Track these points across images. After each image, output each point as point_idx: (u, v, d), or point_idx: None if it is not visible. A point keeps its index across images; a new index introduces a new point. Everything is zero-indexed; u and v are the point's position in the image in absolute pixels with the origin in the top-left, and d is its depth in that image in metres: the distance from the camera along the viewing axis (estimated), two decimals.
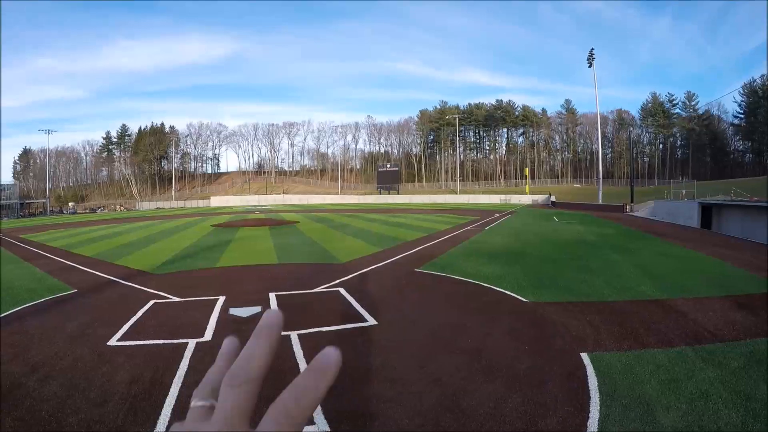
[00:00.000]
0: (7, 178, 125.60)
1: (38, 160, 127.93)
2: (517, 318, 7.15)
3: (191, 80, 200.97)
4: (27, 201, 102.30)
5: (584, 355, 5.52)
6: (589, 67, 60.10)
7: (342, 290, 9.09)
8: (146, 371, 5.21)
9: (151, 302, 8.49)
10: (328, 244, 17.15)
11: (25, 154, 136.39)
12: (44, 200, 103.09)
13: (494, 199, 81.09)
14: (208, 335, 6.38)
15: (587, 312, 7.43)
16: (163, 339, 6.29)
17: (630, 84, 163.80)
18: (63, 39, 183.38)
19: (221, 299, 8.43)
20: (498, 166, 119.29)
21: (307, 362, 4.13)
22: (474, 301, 8.29)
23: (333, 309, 7.71)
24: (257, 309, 7.68)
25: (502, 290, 9.05)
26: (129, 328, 6.93)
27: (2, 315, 8.14)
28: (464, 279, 10.23)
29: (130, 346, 6.12)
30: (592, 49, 59.25)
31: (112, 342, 6.31)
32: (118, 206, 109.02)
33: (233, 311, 7.58)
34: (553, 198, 68.79)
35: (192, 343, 6.07)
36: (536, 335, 6.31)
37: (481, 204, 72.56)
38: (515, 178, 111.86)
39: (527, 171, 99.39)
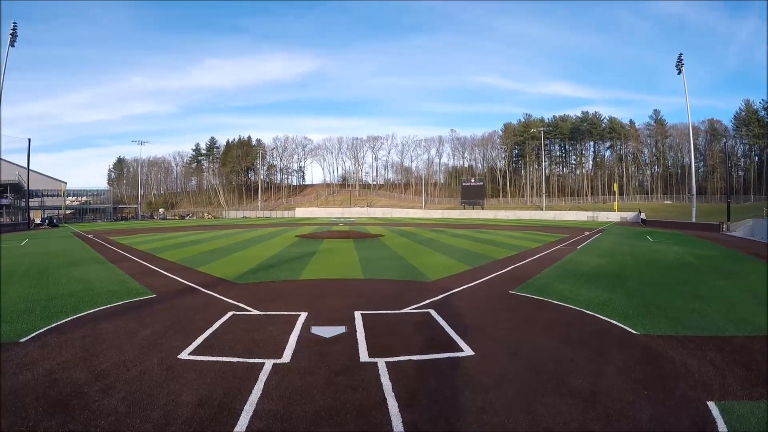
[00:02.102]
0: (102, 184, 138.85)
1: (131, 169, 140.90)
2: (629, 354, 6.24)
3: (275, 96, 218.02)
4: (120, 206, 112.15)
5: (711, 405, 4.61)
6: (678, 73, 57.91)
7: (433, 312, 8.45)
8: (216, 393, 4.85)
9: (230, 314, 8.36)
10: (415, 260, 16.63)
11: (119, 162, 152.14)
12: (136, 206, 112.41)
13: (581, 216, 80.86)
14: (286, 356, 5.94)
15: (706, 348, 6.42)
16: (238, 357, 5.96)
17: (721, 92, 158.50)
18: (154, 59, 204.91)
19: (303, 315, 8.08)
20: (585, 181, 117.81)
21: (396, 396, 3.22)
22: (578, 330, 7.38)
23: (424, 333, 7.05)
24: (341, 329, 7.20)
25: (608, 319, 8.10)
26: (203, 340, 6.74)
27: (78, 315, 8.47)
28: (564, 304, 9.29)
29: (202, 361, 5.85)
30: (681, 54, 57.05)
31: (184, 355, 6.11)
32: (205, 214, 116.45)
33: (315, 330, 7.16)
34: (642, 215, 68.25)
35: (268, 364, 5.66)
36: (654, 376, 5.43)
37: (568, 221, 71.44)
38: (603, 194, 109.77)
39: (615, 186, 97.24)
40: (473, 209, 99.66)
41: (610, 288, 11.16)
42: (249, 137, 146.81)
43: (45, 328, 7.60)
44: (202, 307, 9.02)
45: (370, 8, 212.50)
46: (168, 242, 27.31)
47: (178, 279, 12.72)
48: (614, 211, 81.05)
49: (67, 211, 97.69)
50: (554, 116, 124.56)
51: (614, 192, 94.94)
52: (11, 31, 54.00)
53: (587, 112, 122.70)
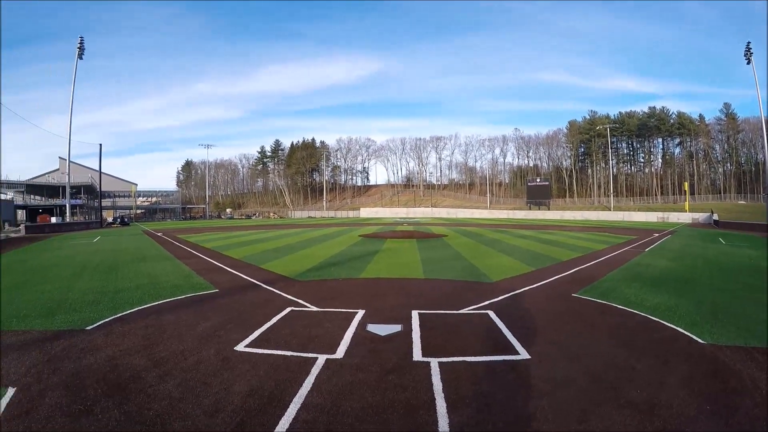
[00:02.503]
0: (172, 185, 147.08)
1: (199, 171, 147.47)
2: (694, 364, 5.73)
3: (338, 98, 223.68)
4: (188, 206, 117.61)
5: None
6: (747, 63, 54.15)
7: (491, 313, 8.18)
8: (267, 384, 4.92)
9: (288, 309, 8.51)
10: (478, 261, 16.29)
11: (187, 165, 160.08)
12: (204, 206, 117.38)
13: (651, 216, 78.00)
14: (340, 352, 5.95)
15: None
16: (293, 351, 6.02)
17: None
18: (220, 66, 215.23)
19: (360, 313, 8.09)
20: (654, 180, 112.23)
21: (446, 397, 3.07)
22: (642, 337, 6.88)
23: (480, 335, 6.83)
24: (397, 328, 7.13)
25: (674, 326, 7.49)
26: (260, 334, 6.89)
27: (143, 307, 8.93)
28: (629, 309, 8.72)
29: (256, 354, 5.97)
30: (749, 43, 53.39)
31: (240, 347, 6.26)
32: (271, 214, 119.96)
33: (371, 327, 7.13)
34: (715, 216, 64.42)
35: (322, 359, 5.68)
36: (719, 390, 4.97)
37: (636, 222, 68.99)
38: (673, 194, 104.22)
39: (686, 186, 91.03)
40: (539, 209, 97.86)
41: (678, 293, 10.45)
42: (313, 139, 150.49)
43: (110, 318, 8.08)
44: (262, 303, 9.23)
45: (431, 8, 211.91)
46: (233, 240, 28.24)
47: (241, 275, 13.09)
48: (685, 211, 78.19)
49: (138, 211, 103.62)
50: (620, 112, 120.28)
51: (685, 191, 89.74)
52: (78, 45, 58.13)
53: (654, 107, 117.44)
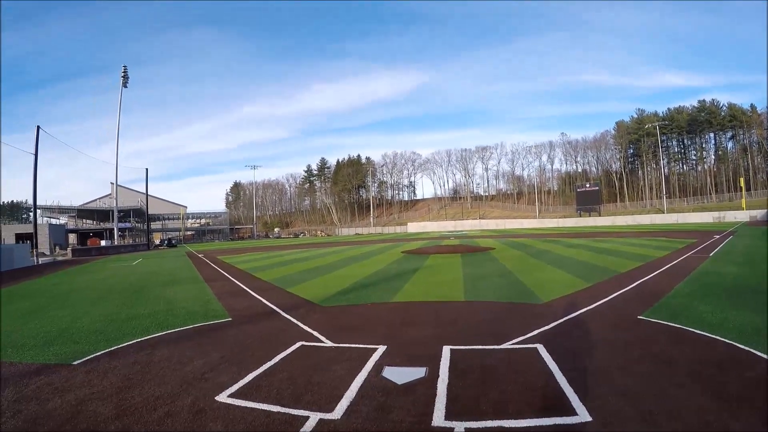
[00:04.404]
0: (221, 207, 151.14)
1: (247, 192, 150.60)
2: None
3: (382, 114, 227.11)
4: (236, 227, 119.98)
5: None
6: None
7: (541, 348, 6.54)
8: None
9: (298, 344, 7.24)
10: (526, 276, 14.61)
11: (235, 186, 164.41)
12: (251, 226, 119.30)
13: (706, 217, 77.36)
14: (339, 409, 4.54)
15: None
16: (282, 405, 4.72)
17: None
18: (264, 88, 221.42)
19: (380, 350, 6.66)
20: (708, 178, 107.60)
21: None
22: (733, 377, 5.13)
23: (526, 383, 5.26)
24: (420, 373, 5.62)
25: (765, 356, 5.76)
26: (253, 378, 5.67)
27: (143, 338, 8.12)
28: (708, 334, 6.91)
29: (237, 407, 4.77)
30: None
31: (222, 396, 5.12)
32: (319, 232, 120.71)
33: (388, 372, 5.67)
34: None
35: (313, 419, 4.34)
36: None
37: (692, 224, 66.68)
38: (728, 191, 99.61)
39: (742, 181, 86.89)
40: (590, 216, 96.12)
41: (760, 309, 8.52)
42: (358, 156, 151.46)
43: (103, 351, 7.42)
44: (272, 335, 8.05)
45: (468, 18, 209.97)
46: (272, 260, 27.50)
47: (263, 300, 12.02)
48: (742, 209, 75.91)
49: (188, 233, 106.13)
50: (669, 109, 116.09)
51: (741, 188, 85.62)
52: (122, 74, 60.18)
53: (704, 100, 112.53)
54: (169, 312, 10.82)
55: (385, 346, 6.83)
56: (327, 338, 7.57)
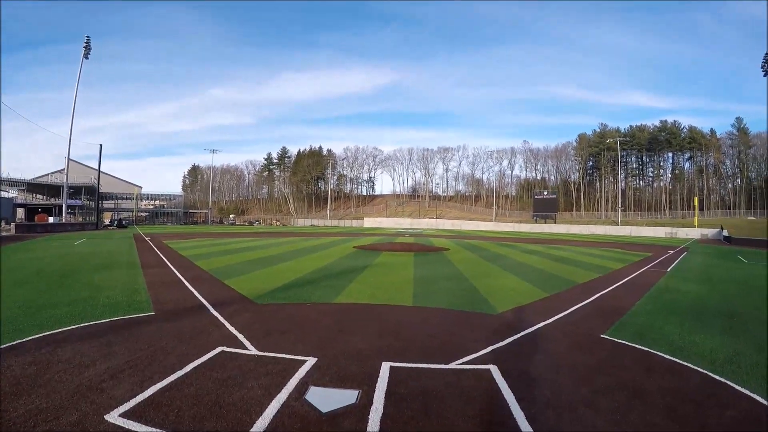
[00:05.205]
0: (178, 189, 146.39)
1: (205, 176, 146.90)
2: None
3: (350, 108, 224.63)
4: (191, 211, 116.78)
5: None
6: (765, 75, 55.22)
7: (494, 370, 5.77)
8: None
9: (218, 350, 6.32)
10: (480, 281, 13.97)
11: (194, 170, 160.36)
12: (206, 211, 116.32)
13: (659, 232, 79.06)
14: None
15: None
16: None
17: None
18: (234, 72, 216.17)
19: (309, 363, 5.81)
20: (663, 195, 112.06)
21: None
22: (712, 416, 4.63)
23: (476, 414, 4.44)
24: (351, 398, 4.76)
25: (747, 392, 5.26)
26: (155, 393, 4.78)
27: (52, 332, 7.24)
28: (679, 361, 6.37)
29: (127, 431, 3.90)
30: (767, 54, 54.44)
31: (113, 415, 4.26)
32: (274, 221, 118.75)
33: (312, 394, 4.79)
34: (725, 232, 64.42)
35: None
36: None
37: (645, 237, 67.42)
38: (681, 209, 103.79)
39: (696, 201, 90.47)
40: (545, 223, 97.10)
41: (729, 331, 8.25)
42: (320, 147, 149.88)
43: (5, 345, 6.38)
44: (192, 336, 7.05)
45: (448, 21, 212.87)
46: (218, 248, 26.23)
47: (195, 293, 10.98)
48: (694, 227, 78.30)
49: (141, 214, 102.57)
50: (631, 126, 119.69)
51: (694, 207, 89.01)
52: (84, 44, 57.27)
53: (666, 121, 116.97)
54: (91, 301, 9.75)
55: (316, 359, 5.98)
56: (252, 344, 6.66)
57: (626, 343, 7.35)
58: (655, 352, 6.86)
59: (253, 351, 6.35)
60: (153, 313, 8.73)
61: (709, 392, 5.32)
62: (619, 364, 6.25)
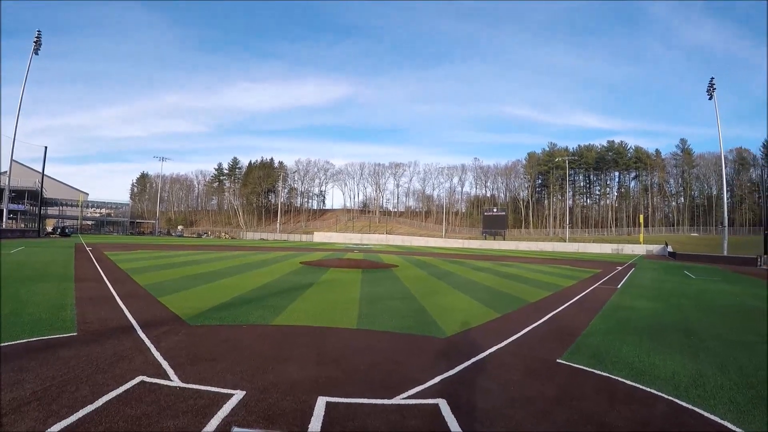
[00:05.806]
0: (126, 198, 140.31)
1: (153, 185, 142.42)
2: None
3: (303, 120, 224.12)
4: (138, 221, 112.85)
5: None
6: (710, 99, 58.98)
7: (443, 405, 5.32)
8: None
9: (138, 379, 5.72)
10: (429, 300, 13.68)
11: (142, 178, 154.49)
12: (154, 221, 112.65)
13: (606, 248, 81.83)
14: None
15: None
16: None
17: (749, 120, 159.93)
18: (189, 78, 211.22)
19: (235, 397, 5.28)
20: (609, 212, 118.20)
21: None
22: None
23: None
24: None
25: (716, 418, 5.14)
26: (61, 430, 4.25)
27: None
28: (641, 387, 6.19)
29: None
30: (712, 78, 58.32)
31: None
32: (223, 234, 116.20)
33: None
34: (669, 248, 67.75)
35: None
36: None
37: (592, 254, 70.56)
38: (627, 226, 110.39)
39: (641, 218, 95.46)
40: (494, 239, 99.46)
41: (687, 351, 8.28)
42: (271, 159, 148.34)
43: None
44: (112, 363, 6.44)
45: (403, 37, 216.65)
46: (160, 261, 25.15)
47: (125, 311, 10.28)
48: (639, 243, 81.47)
49: (87, 222, 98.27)
50: (579, 145, 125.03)
51: (640, 224, 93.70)
52: (35, 39, 54.49)
53: (613, 141, 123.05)
54: (12, 318, 8.99)
55: (244, 392, 5.46)
56: (176, 373, 6.08)
57: (584, 368, 7.13)
58: (616, 377, 6.66)
59: (175, 382, 5.77)
60: (75, 334, 8.04)
61: (677, 420, 5.17)
62: (580, 394, 5.96)
